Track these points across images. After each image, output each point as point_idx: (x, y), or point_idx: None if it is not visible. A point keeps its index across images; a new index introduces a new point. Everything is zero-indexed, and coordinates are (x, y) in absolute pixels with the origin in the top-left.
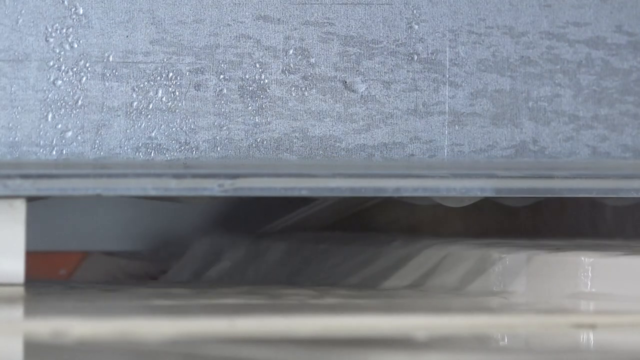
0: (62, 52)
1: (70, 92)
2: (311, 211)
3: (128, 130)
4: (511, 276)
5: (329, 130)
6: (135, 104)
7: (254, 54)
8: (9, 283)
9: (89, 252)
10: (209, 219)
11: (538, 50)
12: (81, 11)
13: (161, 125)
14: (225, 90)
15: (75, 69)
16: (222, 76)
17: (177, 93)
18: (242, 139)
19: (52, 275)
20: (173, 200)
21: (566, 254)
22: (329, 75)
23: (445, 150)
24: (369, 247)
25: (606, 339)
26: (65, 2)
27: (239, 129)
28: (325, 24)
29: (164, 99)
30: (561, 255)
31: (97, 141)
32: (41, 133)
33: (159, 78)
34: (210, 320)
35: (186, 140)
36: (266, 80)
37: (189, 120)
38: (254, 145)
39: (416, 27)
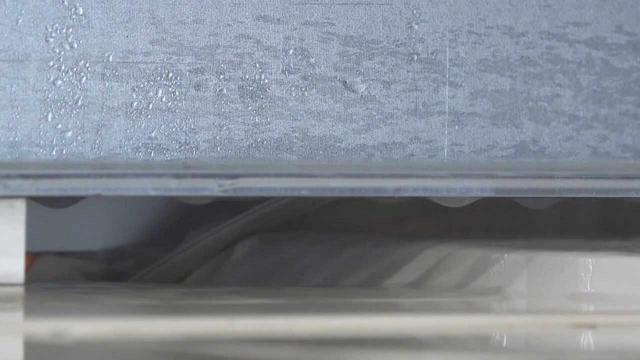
0: (62, 52)
1: (70, 92)
2: (263, 211)
3: (128, 130)
4: (511, 276)
5: (329, 130)
6: (135, 104)
7: (254, 54)
8: (9, 283)
9: (41, 252)
10: (167, 218)
11: (538, 50)
12: (81, 11)
13: (161, 125)
14: (225, 90)
15: (75, 69)
16: (222, 76)
17: (177, 93)
18: (242, 139)
19: None
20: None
21: (566, 254)
22: (329, 75)
23: (445, 150)
24: (368, 247)
25: (606, 339)
26: (65, 2)
27: (239, 129)
28: (325, 24)
29: (164, 99)
30: (561, 255)
31: (97, 141)
32: (41, 133)
33: (159, 78)
34: (210, 320)
35: (186, 140)
36: (266, 80)
37: (189, 120)
38: (254, 145)
39: (416, 27)
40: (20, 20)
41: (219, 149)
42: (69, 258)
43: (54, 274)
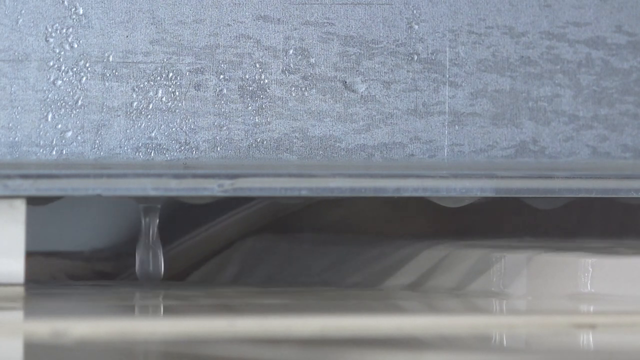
0: (62, 52)
1: (70, 92)
2: (254, 208)
3: (128, 130)
4: (511, 276)
5: (329, 130)
6: (135, 104)
7: (254, 54)
8: (9, 283)
9: (26, 252)
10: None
11: (538, 50)
12: (81, 11)
13: (161, 125)
14: (225, 90)
15: (75, 69)
16: (222, 76)
17: (177, 93)
18: (242, 139)
19: None
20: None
21: (566, 254)
22: (329, 75)
23: (445, 150)
24: (367, 247)
25: (606, 339)
26: (65, 2)
27: (239, 129)
28: (325, 24)
29: (164, 99)
30: (561, 255)
31: (97, 141)
32: (41, 133)
33: (159, 78)
34: (210, 320)
35: (186, 140)
36: (266, 80)
37: (189, 120)
38: (254, 145)
39: (416, 27)
40: (20, 20)
41: (219, 149)
42: (53, 258)
43: (40, 274)
